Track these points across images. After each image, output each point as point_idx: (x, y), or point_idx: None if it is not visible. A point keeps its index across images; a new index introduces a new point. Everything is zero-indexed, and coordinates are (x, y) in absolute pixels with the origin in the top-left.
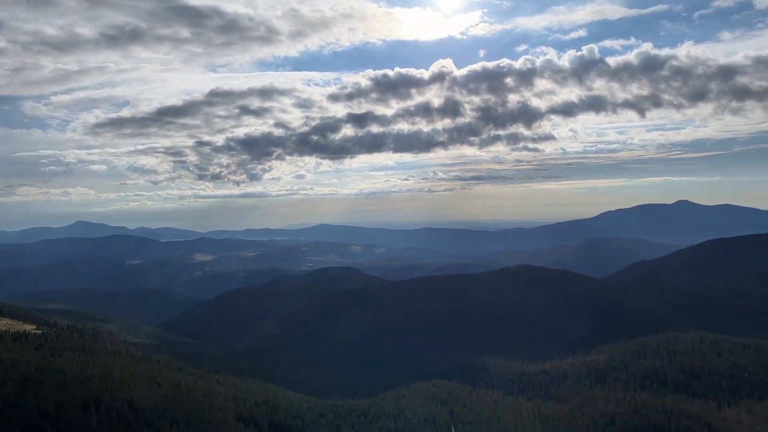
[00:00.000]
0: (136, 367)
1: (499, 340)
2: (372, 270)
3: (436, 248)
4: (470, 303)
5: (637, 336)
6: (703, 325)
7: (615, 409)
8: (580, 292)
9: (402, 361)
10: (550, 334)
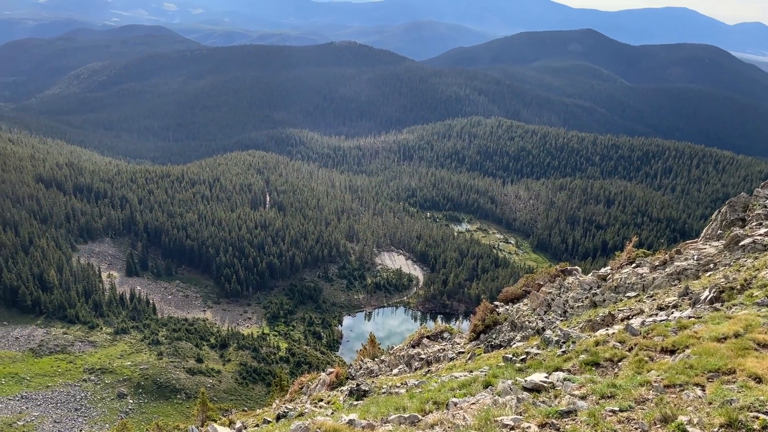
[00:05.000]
0: None
1: (318, 116)
2: (187, 33)
3: (261, 15)
4: (292, 76)
5: (445, 119)
6: (503, 111)
7: (417, 183)
8: (399, 73)
9: (218, 130)
10: (367, 112)
